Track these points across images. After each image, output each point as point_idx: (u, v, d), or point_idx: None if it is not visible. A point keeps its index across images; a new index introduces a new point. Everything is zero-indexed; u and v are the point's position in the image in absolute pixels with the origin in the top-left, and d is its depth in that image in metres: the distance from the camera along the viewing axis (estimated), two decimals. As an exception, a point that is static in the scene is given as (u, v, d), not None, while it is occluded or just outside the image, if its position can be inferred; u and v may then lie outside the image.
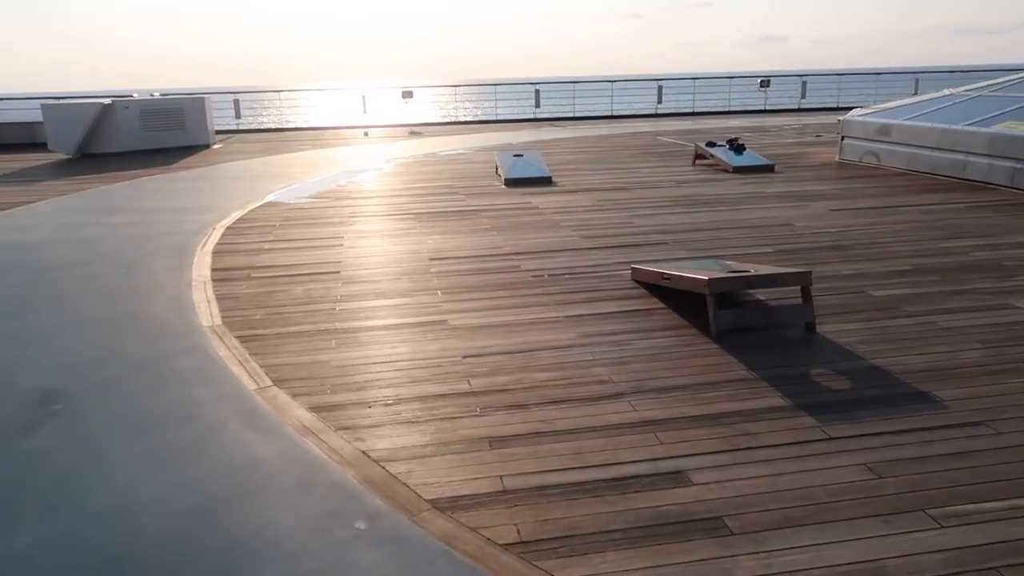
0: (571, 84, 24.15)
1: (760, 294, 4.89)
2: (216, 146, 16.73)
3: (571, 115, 23.59)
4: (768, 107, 24.35)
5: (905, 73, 26.15)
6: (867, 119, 10.96)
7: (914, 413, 3.25)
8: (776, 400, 3.42)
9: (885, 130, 10.51)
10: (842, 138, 11.48)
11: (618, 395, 3.51)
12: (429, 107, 25.75)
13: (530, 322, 4.54)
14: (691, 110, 23.99)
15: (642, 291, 5.08)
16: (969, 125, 9.19)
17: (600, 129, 18.89)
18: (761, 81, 23.97)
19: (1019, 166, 8.35)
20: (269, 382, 3.78)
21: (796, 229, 6.84)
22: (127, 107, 15.49)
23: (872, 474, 2.79)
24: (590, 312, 4.69)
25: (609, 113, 23.54)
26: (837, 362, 3.84)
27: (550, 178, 9.99)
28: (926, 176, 9.56)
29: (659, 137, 16.15)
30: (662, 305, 4.77)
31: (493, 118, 23.82)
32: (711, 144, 11.50)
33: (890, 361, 3.82)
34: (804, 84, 24.16)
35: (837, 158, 11.57)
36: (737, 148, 11.19)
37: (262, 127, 22.07)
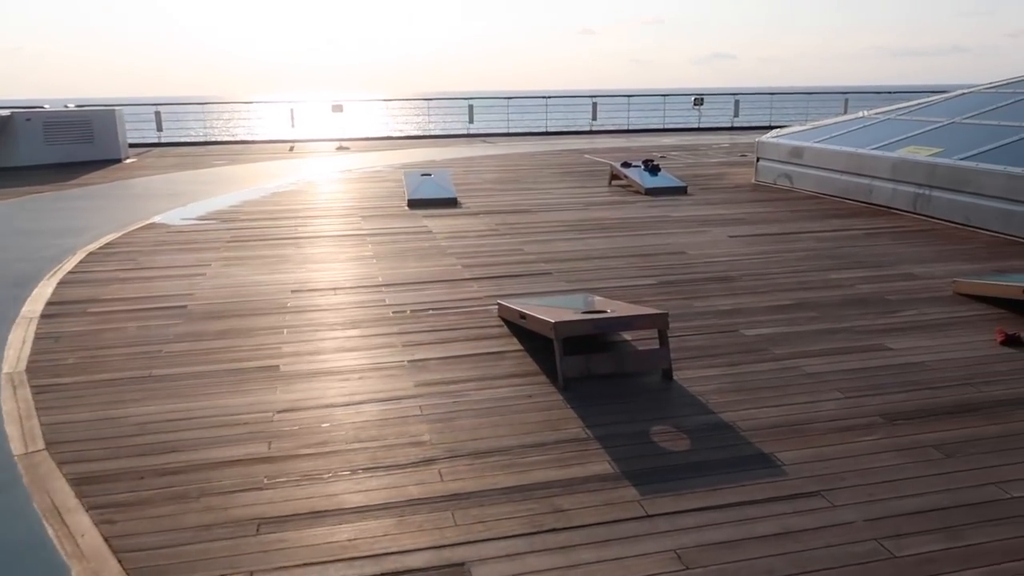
0: (505, 100, 23.93)
1: (625, 335, 4.57)
2: (129, 160, 16.00)
3: (505, 131, 23.34)
4: (702, 125, 24.45)
5: (837, 93, 26.57)
6: (780, 141, 10.86)
7: (747, 481, 2.93)
8: (602, 466, 3.07)
9: (797, 152, 10.41)
10: (757, 160, 11.37)
11: (429, 461, 3.12)
12: (363, 121, 25.24)
13: (368, 368, 4.13)
14: (625, 127, 23.96)
15: (505, 330, 4.72)
16: (875, 149, 9.11)
17: (531, 146, 18.64)
18: (695, 99, 24.08)
19: (920, 191, 8.26)
20: (41, 445, 3.30)
21: (688, 258, 6.57)
22: (28, 119, 14.70)
23: (679, 564, 2.44)
24: (439, 355, 4.31)
25: (544, 129, 23.35)
26: (684, 416, 3.52)
27: (455, 199, 9.62)
28: (834, 200, 9.45)
29: (586, 156, 15.94)
30: (519, 348, 4.41)
31: (427, 133, 23.45)
32: (626, 165, 11.27)
33: (741, 415, 3.51)
34: (737, 103, 24.33)
35: (753, 180, 11.45)
36: (652, 169, 10.99)
37: (186, 140, 21.29)
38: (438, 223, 8.30)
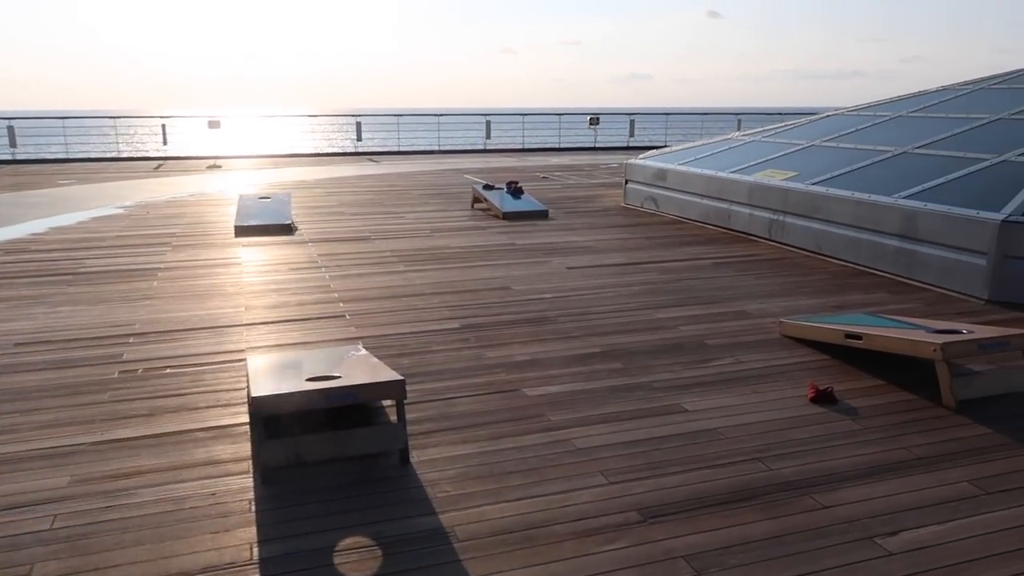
0: (395, 117, 23.15)
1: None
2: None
3: (395, 149, 22.52)
4: (598, 145, 24.22)
5: (731, 113, 26.82)
6: (647, 163, 10.41)
7: (425, 627, 2.20)
8: (243, 609, 2.28)
9: (661, 175, 9.95)
10: (626, 182, 10.90)
11: (3, 611, 2.27)
12: (253, 137, 24.00)
13: (25, 456, 3.24)
14: (520, 146, 23.49)
15: (244, 395, 3.90)
16: (734, 172, 8.70)
17: (417, 165, 17.88)
18: (590, 119, 23.83)
19: (775, 217, 7.85)
20: None
21: (510, 295, 5.89)
22: None
23: None
24: (133, 435, 3.45)
25: (436, 147, 22.64)
26: (394, 520, 2.76)
27: (290, 226, 8.74)
28: (695, 226, 9.00)
29: (466, 176, 15.28)
30: (246, 422, 3.60)
31: (316, 151, 22.40)
32: (488, 187, 10.62)
33: (468, 515, 2.78)
34: (632, 123, 24.21)
35: (623, 203, 10.97)
36: (515, 192, 10.36)
37: (44, 157, 19.62)
38: (255, 254, 7.41)
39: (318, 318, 5.27)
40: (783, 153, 8.99)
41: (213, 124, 20.59)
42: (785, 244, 7.70)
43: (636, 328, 5.03)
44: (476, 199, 10.58)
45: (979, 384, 3.83)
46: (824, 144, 8.95)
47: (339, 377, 3.35)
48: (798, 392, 3.95)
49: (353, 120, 21.94)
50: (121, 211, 10.42)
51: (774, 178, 8.04)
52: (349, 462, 3.18)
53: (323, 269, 6.74)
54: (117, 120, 19.72)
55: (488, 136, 22.81)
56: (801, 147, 9.09)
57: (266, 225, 8.62)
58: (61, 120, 19.53)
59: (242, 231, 8.55)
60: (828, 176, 7.62)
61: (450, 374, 4.20)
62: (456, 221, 9.45)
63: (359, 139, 21.72)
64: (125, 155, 19.74)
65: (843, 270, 6.71)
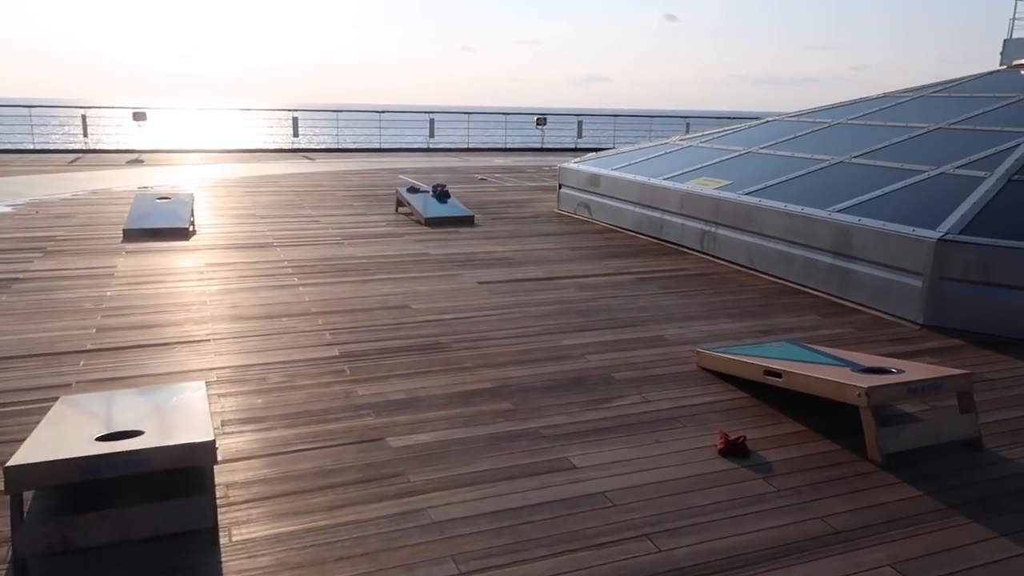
0: (335, 113, 22.31)
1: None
2: None
3: (335, 146, 21.69)
4: (545, 145, 23.73)
5: (679, 117, 26.57)
6: (580, 167, 9.89)
7: None
8: None
9: (594, 180, 9.44)
10: (559, 187, 10.37)
11: None
12: (179, 132, 22.90)
13: None
14: (465, 146, 22.87)
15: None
16: (667, 179, 8.23)
17: (355, 163, 17.14)
18: (537, 119, 23.32)
19: (707, 228, 7.39)
20: None
21: (406, 315, 5.28)
22: None
23: None
24: None
25: (377, 146, 21.87)
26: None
27: (185, 230, 7.99)
28: (627, 236, 8.50)
29: (400, 175, 14.60)
30: None
31: (251, 147, 21.43)
32: (413, 190, 9.98)
33: (267, 626, 2.18)
34: (580, 124, 23.77)
35: (556, 209, 10.44)
36: (440, 195, 9.75)
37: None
38: (136, 261, 6.67)
39: (177, 343, 4.60)
40: (719, 160, 8.55)
41: (139, 116, 19.52)
42: (717, 257, 7.24)
43: (537, 357, 4.47)
44: (400, 202, 9.94)
45: (908, 435, 3.35)
46: (761, 151, 8.53)
47: (141, 434, 2.71)
48: (706, 442, 3.42)
49: (329, 115, 21.04)
50: (7, 210, 9.52)
51: (707, 186, 7.58)
52: (138, 546, 2.55)
53: (206, 282, 6.04)
54: (32, 109, 18.53)
55: (432, 135, 22.12)
56: (737, 154, 8.66)
57: (158, 229, 7.86)
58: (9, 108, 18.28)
59: (131, 235, 7.78)
60: (762, 186, 7.18)
61: (306, 418, 3.58)
62: (373, 226, 8.80)
63: (296, 135, 20.84)
64: (40, 147, 18.56)
65: (774, 287, 6.25)
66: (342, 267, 6.67)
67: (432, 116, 22.10)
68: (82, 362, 4.24)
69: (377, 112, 22.30)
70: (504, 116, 23.92)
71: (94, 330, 4.78)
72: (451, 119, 24.44)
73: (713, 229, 7.30)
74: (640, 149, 10.26)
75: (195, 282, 6.02)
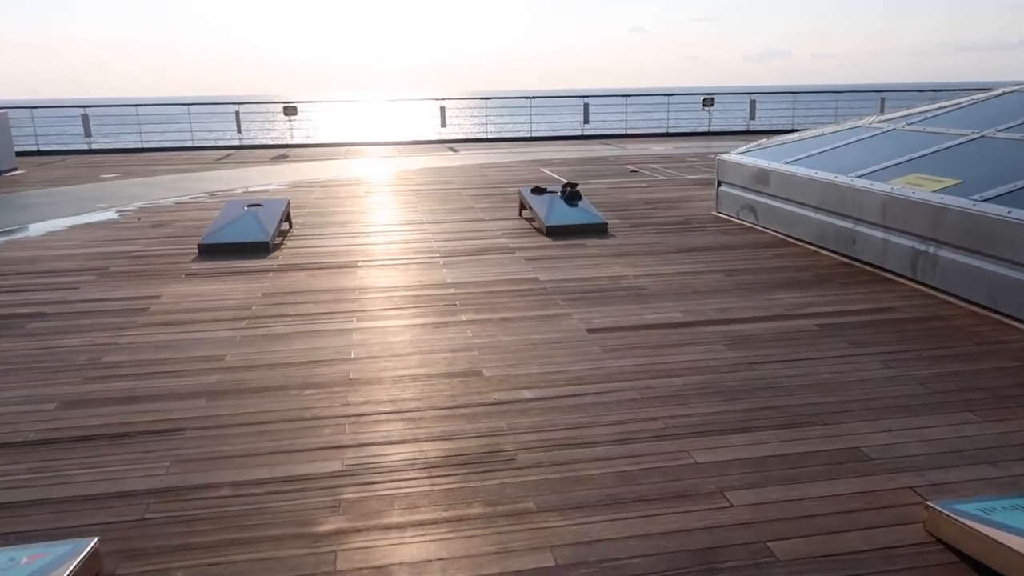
0: (483, 101, 21.14)
1: None
2: (15, 172, 13.76)
3: (482, 136, 20.54)
4: (713, 128, 21.31)
5: (871, 92, 23.06)
6: (744, 160, 7.86)
7: None
8: None
9: (762, 177, 7.41)
10: (718, 184, 8.39)
11: None
12: (328, 125, 22.71)
13: None
14: (623, 131, 20.97)
15: None
16: (861, 177, 6.09)
17: (497, 154, 15.86)
18: (704, 99, 20.96)
19: (923, 247, 5.24)
20: None
21: (470, 387, 3.72)
22: None
23: None
24: None
25: (527, 134, 20.48)
26: None
27: (265, 244, 6.89)
28: (805, 251, 6.45)
29: (542, 169, 13.09)
30: None
31: (393, 140, 20.79)
32: (538, 191, 8.39)
33: None
34: (753, 103, 21.10)
35: (714, 211, 8.48)
36: (569, 197, 8.09)
37: (117, 147, 19.00)
38: (183, 291, 5.59)
39: (128, 437, 3.32)
40: (937, 148, 6.27)
41: (289, 111, 19.35)
42: (938, 290, 5.09)
43: (642, 493, 2.76)
44: (523, 205, 8.41)
45: None
46: (1003, 135, 6.15)
47: None
48: None
49: (479, 103, 20.08)
50: (113, 216, 8.98)
51: (922, 188, 5.41)
52: None
53: (242, 325, 4.80)
54: (191, 107, 18.82)
55: (586, 121, 20.42)
56: (965, 139, 6.33)
57: (234, 244, 6.82)
58: (135, 108, 18.86)
59: (207, 250, 6.80)
60: (1010, 188, 4.94)
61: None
62: (485, 238, 7.32)
63: (443, 125, 19.89)
64: (198, 144, 18.82)
65: (1041, 351, 4.09)
66: (421, 300, 5.23)
67: (586, 100, 20.39)
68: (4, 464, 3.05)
69: (527, 99, 20.87)
70: (666, 97, 21.71)
71: (54, 406, 3.62)
72: (609, 103, 22.60)
73: (932, 249, 5.15)
74: (824, 135, 8.06)
75: (227, 326, 4.79)
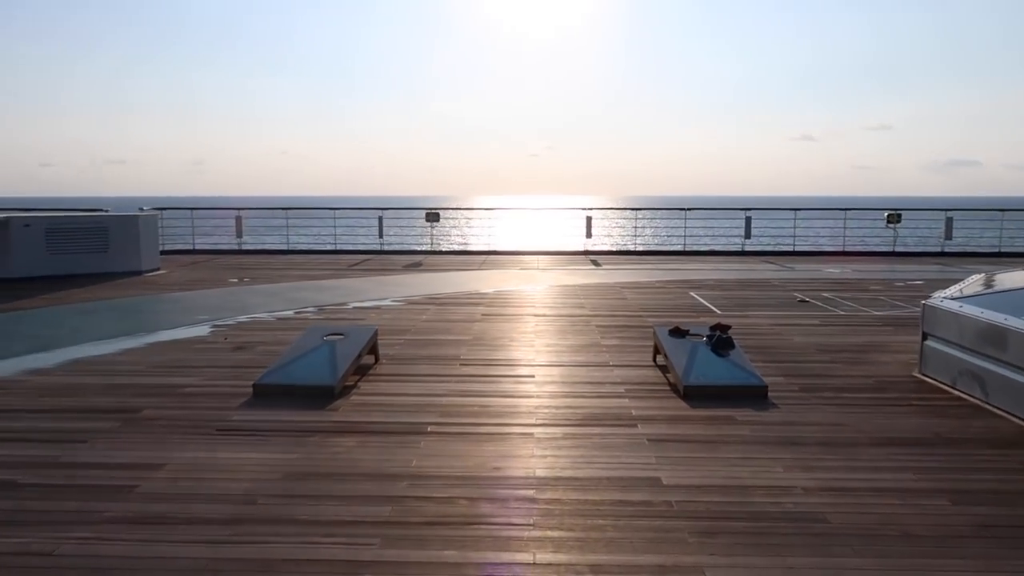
0: (632, 212, 19.74)
1: None
2: (154, 273, 13.82)
3: (630, 248, 19.06)
4: (898, 248, 18.64)
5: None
6: (965, 310, 5.78)
7: None
8: None
9: (997, 337, 5.31)
10: (924, 336, 6.32)
11: None
12: (473, 231, 22.12)
13: None
14: (791, 248, 18.78)
15: None
16: None
17: (645, 271, 14.28)
18: (889, 215, 18.44)
19: None
20: None
21: None
22: (27, 224, 12.91)
23: None
24: None
25: (680, 248, 18.78)
26: None
27: (331, 388, 5.61)
28: (1076, 460, 4.30)
29: (692, 294, 11.34)
30: None
31: (534, 249, 19.73)
32: (677, 332, 6.67)
33: None
34: (949, 220, 18.28)
35: (918, 372, 6.38)
36: (719, 345, 6.31)
37: (262, 248, 19.22)
38: (197, 457, 4.34)
39: None
40: None
41: (431, 217, 18.89)
42: None
43: None
44: (657, 349, 6.73)
45: None
46: None
47: None
48: None
49: (635, 212, 18.89)
50: (203, 333, 8.17)
51: None
52: None
53: (225, 533, 3.42)
54: (336, 211, 18.80)
55: (748, 235, 18.46)
56: None
57: (295, 385, 5.61)
58: (284, 211, 19.11)
59: (263, 391, 5.63)
60: None
61: None
62: (603, 394, 5.69)
63: (588, 236, 18.65)
64: (340, 247, 18.67)
65: None
66: (483, 514, 3.65)
67: (749, 213, 18.49)
68: None
69: (682, 210, 19.25)
70: (843, 212, 19.33)
71: None
72: (774, 216, 20.55)
73: None
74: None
75: (211, 533, 3.42)
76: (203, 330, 8.35)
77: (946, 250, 18.36)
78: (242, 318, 9.12)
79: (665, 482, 3.98)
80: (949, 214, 18.50)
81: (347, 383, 5.92)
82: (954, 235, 18.59)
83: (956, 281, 10.74)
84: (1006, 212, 19.24)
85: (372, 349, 6.72)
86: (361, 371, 6.36)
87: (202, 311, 9.60)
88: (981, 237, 19.51)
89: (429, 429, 4.87)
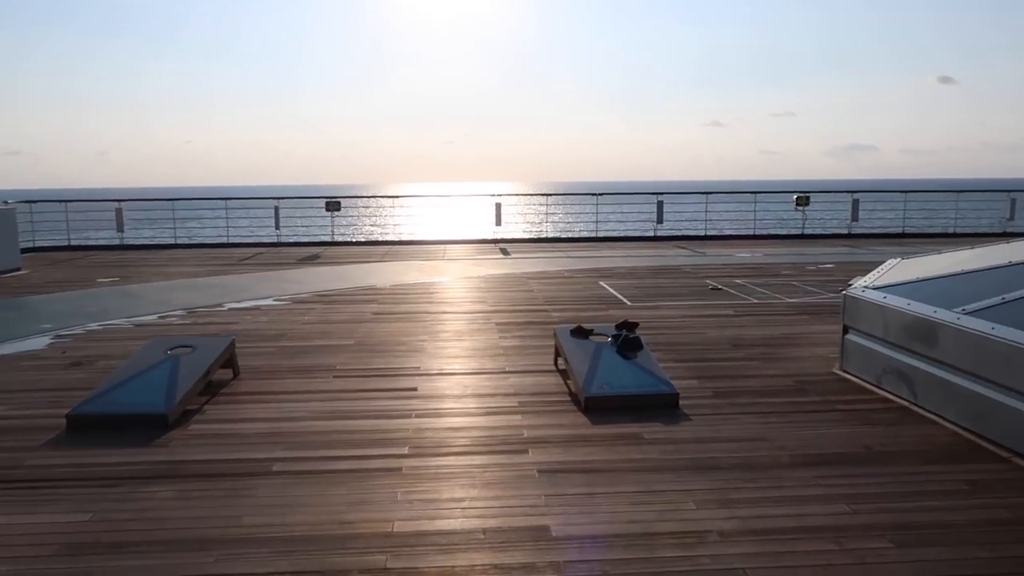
0: (544, 197, 19.08)
1: None
2: (12, 274, 12.27)
3: (540, 235, 18.41)
4: (807, 231, 18.60)
5: (999, 191, 19.89)
6: (890, 301, 5.24)
7: None
8: None
9: (926, 332, 4.78)
10: (845, 330, 5.78)
11: None
12: (376, 220, 21.04)
13: None
14: (702, 232, 18.49)
15: None
16: None
17: (554, 259, 13.59)
18: (798, 198, 18.35)
19: None
20: None
21: None
22: None
23: None
24: None
25: (593, 234, 18.23)
26: None
27: (163, 418, 4.61)
28: (1016, 471, 3.76)
29: (602, 283, 10.70)
30: None
31: (439, 239, 18.85)
32: (579, 332, 5.94)
33: None
34: (856, 203, 18.32)
35: (838, 368, 5.84)
36: (625, 345, 5.60)
37: (148, 243, 17.67)
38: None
39: None
40: None
41: (332, 206, 17.73)
42: None
43: None
44: (558, 351, 5.99)
45: None
46: None
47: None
48: None
49: (536, 198, 18.08)
50: (40, 347, 6.97)
51: None
52: None
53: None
54: (228, 201, 17.39)
55: (660, 220, 18.05)
56: None
57: (120, 415, 4.59)
58: (171, 202, 17.56)
59: (77, 424, 4.58)
60: None
61: None
62: (492, 410, 4.90)
63: (498, 223, 17.86)
64: (233, 240, 17.29)
65: None
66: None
67: (660, 197, 18.07)
68: None
69: (594, 195, 18.66)
70: (753, 196, 19.14)
71: None
72: (686, 200, 20.25)
73: None
74: (999, 267, 5.39)
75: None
76: (39, 343, 7.16)
77: (853, 231, 18.42)
78: (93, 326, 7.93)
79: (554, 532, 3.21)
80: (855, 196, 18.56)
81: (190, 406, 4.94)
82: (860, 217, 18.67)
83: (866, 263, 10.35)
84: (908, 194, 19.45)
85: (228, 362, 5.73)
86: (213, 389, 5.38)
87: (48, 318, 8.34)
88: (885, 219, 19.69)
89: (274, 468, 3.97)
